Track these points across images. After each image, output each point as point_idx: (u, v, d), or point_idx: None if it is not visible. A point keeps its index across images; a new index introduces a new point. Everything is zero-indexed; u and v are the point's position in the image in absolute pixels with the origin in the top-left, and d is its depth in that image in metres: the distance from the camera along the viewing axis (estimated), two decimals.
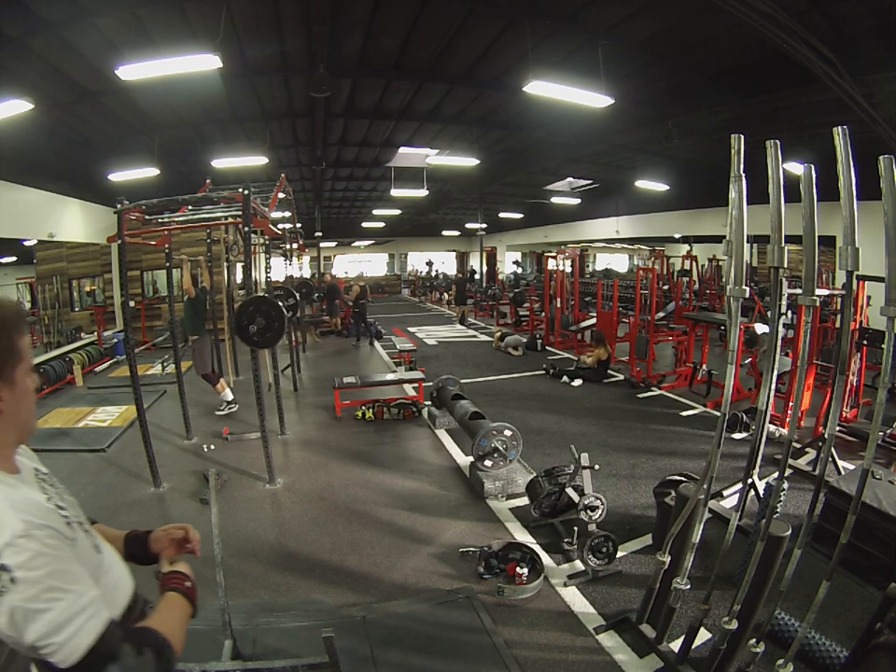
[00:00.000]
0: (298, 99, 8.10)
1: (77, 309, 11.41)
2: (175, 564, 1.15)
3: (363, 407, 5.81)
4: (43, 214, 8.82)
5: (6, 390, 0.89)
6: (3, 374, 0.88)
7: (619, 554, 3.06)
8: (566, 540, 3.24)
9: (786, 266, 1.98)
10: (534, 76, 5.66)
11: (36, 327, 10.31)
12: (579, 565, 3.06)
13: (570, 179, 14.96)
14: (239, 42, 5.98)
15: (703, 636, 2.30)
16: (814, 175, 1.88)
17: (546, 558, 3.11)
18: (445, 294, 19.22)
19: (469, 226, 22.97)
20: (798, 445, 4.62)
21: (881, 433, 4.45)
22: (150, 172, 9.06)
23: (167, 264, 5.46)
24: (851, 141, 1.79)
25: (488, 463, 4.01)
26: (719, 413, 2.12)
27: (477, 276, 20.41)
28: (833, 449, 2.10)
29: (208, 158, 9.23)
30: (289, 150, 11.34)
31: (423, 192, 13.15)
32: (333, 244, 25.24)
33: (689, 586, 2.19)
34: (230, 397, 6.13)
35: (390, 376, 7.11)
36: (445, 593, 2.84)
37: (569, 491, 3.17)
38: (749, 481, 2.26)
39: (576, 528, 3.13)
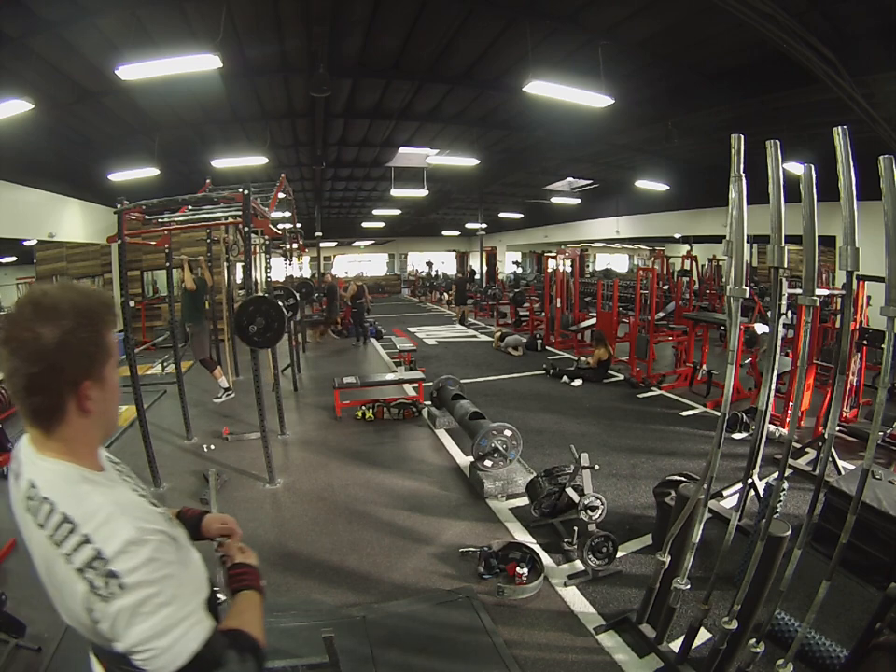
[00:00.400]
0: (298, 99, 8.11)
1: None
2: (245, 553, 1.10)
3: (363, 407, 5.81)
4: (43, 214, 8.83)
5: (96, 389, 0.83)
6: (93, 372, 0.83)
7: (619, 554, 3.06)
8: (566, 540, 3.24)
9: (786, 266, 1.98)
10: (534, 76, 5.67)
11: None
12: (579, 565, 3.06)
13: (570, 179, 14.96)
14: (239, 42, 5.98)
15: (703, 636, 2.30)
16: (814, 175, 1.88)
17: (546, 558, 3.11)
18: (445, 294, 19.21)
19: (468, 226, 22.97)
20: (798, 445, 4.61)
21: (881, 433, 4.45)
22: (150, 172, 9.07)
23: (167, 264, 5.46)
24: (851, 141, 1.79)
25: (488, 463, 4.01)
26: (719, 413, 2.12)
27: (477, 276, 20.40)
28: (833, 449, 2.10)
29: (208, 158, 9.24)
30: (289, 150, 11.35)
31: (423, 192, 13.16)
32: (333, 244, 25.24)
33: (689, 586, 2.19)
34: (226, 384, 6.36)
35: (390, 376, 7.11)
36: (445, 593, 2.83)
37: (569, 491, 3.17)
38: (749, 481, 2.26)
39: (576, 528, 3.13)
